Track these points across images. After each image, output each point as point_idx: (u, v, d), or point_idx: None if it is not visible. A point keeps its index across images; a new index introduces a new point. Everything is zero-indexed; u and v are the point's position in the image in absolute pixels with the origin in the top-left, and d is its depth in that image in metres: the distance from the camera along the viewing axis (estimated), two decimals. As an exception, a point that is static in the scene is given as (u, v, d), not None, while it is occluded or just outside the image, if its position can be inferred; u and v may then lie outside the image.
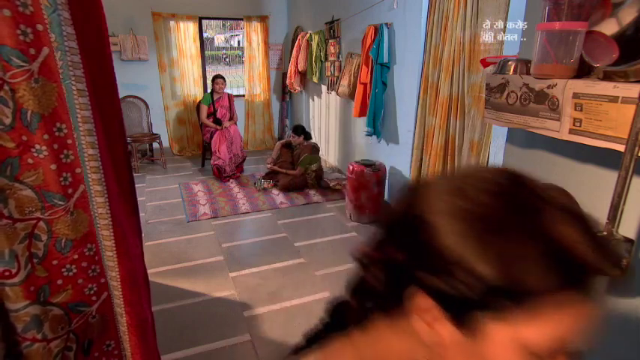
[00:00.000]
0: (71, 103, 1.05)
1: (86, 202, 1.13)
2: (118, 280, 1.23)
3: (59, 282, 1.09)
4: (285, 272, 3.02)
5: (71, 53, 1.03)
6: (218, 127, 5.25)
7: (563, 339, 0.37)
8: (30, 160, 0.97)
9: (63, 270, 1.09)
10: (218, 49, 11.83)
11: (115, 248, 1.20)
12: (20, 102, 0.92)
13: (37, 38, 0.93)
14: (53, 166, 1.01)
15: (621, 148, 0.63)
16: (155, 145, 6.07)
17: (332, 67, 5.09)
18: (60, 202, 1.04)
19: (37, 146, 0.97)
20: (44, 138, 0.98)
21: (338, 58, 4.95)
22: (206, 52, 6.94)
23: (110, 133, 1.16)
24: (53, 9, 0.97)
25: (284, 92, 7.00)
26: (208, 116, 5.43)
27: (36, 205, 1.00)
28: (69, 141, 1.04)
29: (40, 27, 0.93)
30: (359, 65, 4.17)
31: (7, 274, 0.98)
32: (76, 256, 1.11)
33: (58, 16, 0.98)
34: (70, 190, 1.06)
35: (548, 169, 0.90)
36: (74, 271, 1.11)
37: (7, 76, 0.89)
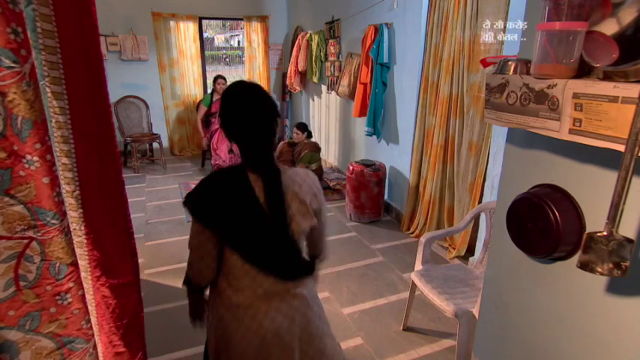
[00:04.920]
0: (45, 106, 0.93)
1: None
2: (93, 304, 1.10)
3: (52, 310, 0.95)
4: (285, 272, 3.02)
5: (48, 52, 0.92)
6: (206, 132, 5.36)
7: None
8: (21, 173, 0.84)
9: (57, 298, 0.95)
10: (218, 49, 11.82)
11: (89, 269, 1.07)
12: (10, 107, 0.81)
13: (27, 39, 0.83)
14: (46, 179, 0.88)
15: (621, 148, 0.63)
16: (155, 145, 6.07)
17: (332, 67, 5.09)
18: (53, 221, 0.91)
19: (28, 157, 0.85)
20: (36, 147, 0.85)
21: (338, 58, 4.95)
22: (206, 52, 6.94)
23: (98, 140, 1.04)
24: (27, 3, 0.88)
25: (284, 92, 7.00)
26: (208, 116, 5.43)
27: (28, 222, 0.87)
28: None
29: None
30: (359, 65, 4.17)
31: None
32: (71, 284, 0.97)
33: (33, 12, 0.89)
34: (64, 208, 0.94)
35: (548, 169, 0.90)
36: (69, 300, 0.98)
37: None
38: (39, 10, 0.90)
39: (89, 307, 1.11)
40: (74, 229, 1.05)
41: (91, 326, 1.07)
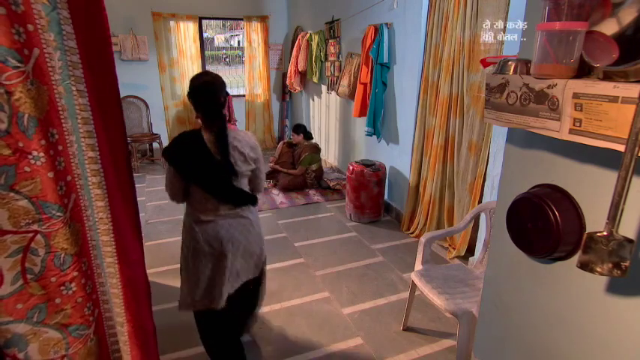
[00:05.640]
0: (70, 104, 0.99)
1: (79, 212, 1.04)
2: (120, 287, 1.16)
3: (57, 301, 0.99)
4: (285, 272, 3.02)
5: (70, 53, 0.97)
6: None
7: None
8: (27, 169, 0.88)
9: (62, 288, 0.99)
10: (218, 49, 11.82)
11: (115, 254, 1.13)
12: (16, 105, 0.85)
13: (29, 39, 0.86)
14: (50, 174, 0.92)
15: (621, 148, 0.63)
16: (155, 145, 6.07)
17: (332, 67, 5.09)
18: (58, 214, 0.95)
19: (35, 153, 0.89)
20: (41, 143, 0.90)
21: (338, 58, 4.95)
22: (206, 52, 6.94)
23: (111, 135, 1.10)
24: (52, 7, 0.92)
25: (284, 92, 7.00)
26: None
27: (33, 216, 0.91)
28: (60, 147, 0.97)
29: (30, 27, 0.87)
30: (359, 65, 4.17)
31: None
32: (75, 273, 1.01)
33: (57, 15, 0.93)
34: (65, 200, 0.98)
35: (548, 169, 0.90)
36: (74, 289, 1.02)
37: (3, 78, 0.82)
38: (62, 14, 0.94)
39: (115, 291, 1.16)
40: (101, 217, 1.10)
41: (92, 312, 1.12)
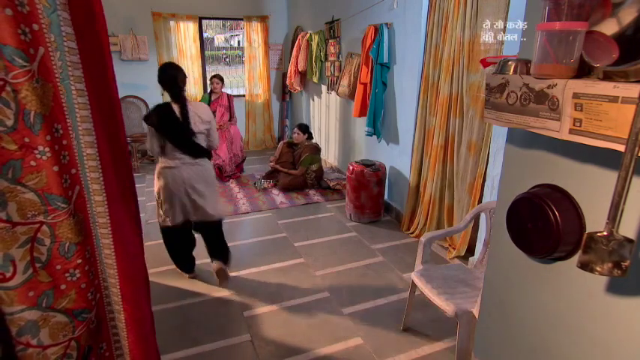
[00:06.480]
0: (70, 102, 1.04)
1: (83, 203, 1.10)
2: (117, 277, 1.22)
3: (62, 287, 1.06)
4: (285, 272, 3.02)
5: (70, 54, 1.02)
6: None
7: None
8: (33, 163, 0.94)
9: (66, 275, 1.06)
10: (218, 49, 11.82)
11: (113, 246, 1.19)
12: (23, 103, 0.90)
13: (34, 38, 0.91)
14: (56, 168, 0.98)
15: (621, 148, 0.63)
16: (155, 145, 6.07)
17: (332, 67, 5.09)
18: (63, 205, 1.01)
19: (40, 147, 0.94)
20: (47, 139, 0.95)
21: (338, 58, 4.95)
22: (206, 52, 6.94)
23: (110, 133, 1.15)
24: (52, 9, 0.96)
25: (284, 92, 7.00)
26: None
27: (39, 208, 0.97)
28: (64, 141, 1.02)
29: (36, 27, 0.92)
30: (359, 65, 4.17)
31: (0, 277, 0.95)
32: (79, 261, 1.08)
33: (58, 17, 0.97)
34: (70, 192, 1.04)
35: (549, 169, 0.90)
36: (78, 275, 1.09)
37: (10, 77, 0.87)
38: (62, 15, 0.98)
39: (112, 281, 1.22)
40: (99, 212, 1.15)
41: (94, 297, 1.18)
